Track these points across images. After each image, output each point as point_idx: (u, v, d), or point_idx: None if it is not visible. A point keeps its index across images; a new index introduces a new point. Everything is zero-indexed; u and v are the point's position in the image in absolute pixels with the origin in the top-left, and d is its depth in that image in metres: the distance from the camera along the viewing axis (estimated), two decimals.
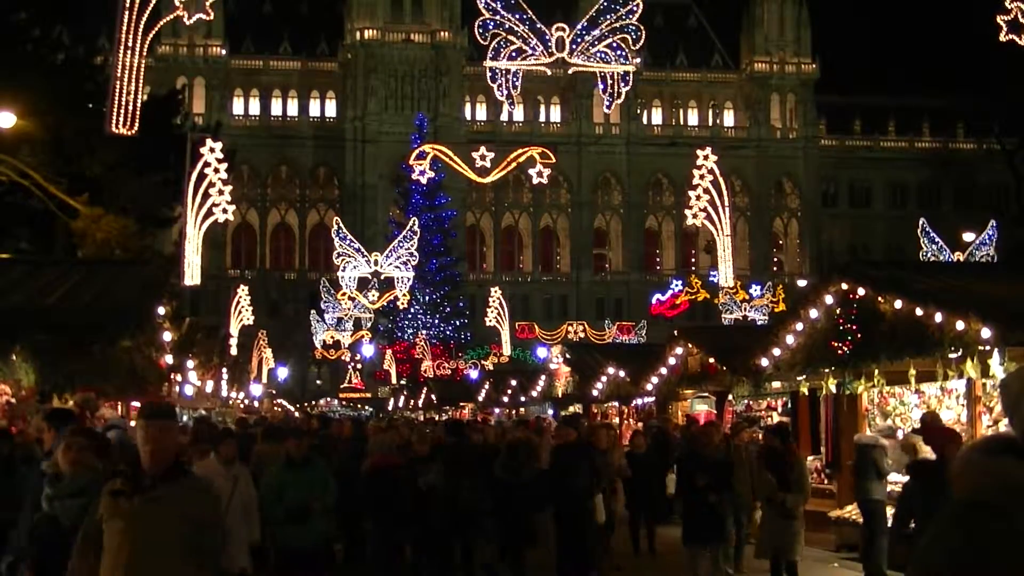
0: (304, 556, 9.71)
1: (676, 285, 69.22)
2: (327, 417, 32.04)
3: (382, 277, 46.30)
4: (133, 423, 16.08)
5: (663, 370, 21.79)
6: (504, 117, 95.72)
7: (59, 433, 9.28)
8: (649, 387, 22.75)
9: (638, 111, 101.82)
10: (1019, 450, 2.78)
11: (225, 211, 22.72)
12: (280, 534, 9.74)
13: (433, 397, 50.25)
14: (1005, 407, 2.94)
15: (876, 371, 13.62)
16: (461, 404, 45.49)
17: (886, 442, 13.39)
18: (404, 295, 46.19)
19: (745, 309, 55.92)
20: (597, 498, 12.91)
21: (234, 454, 9.46)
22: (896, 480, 14.19)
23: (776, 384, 16.82)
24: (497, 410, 38.94)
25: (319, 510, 9.68)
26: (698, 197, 23.19)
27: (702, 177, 23.07)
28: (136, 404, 19.53)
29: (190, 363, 22.47)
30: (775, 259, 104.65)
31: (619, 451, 15.42)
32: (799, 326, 15.25)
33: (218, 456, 9.47)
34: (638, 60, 24.80)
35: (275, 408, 57.21)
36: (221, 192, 22.61)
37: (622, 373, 24.44)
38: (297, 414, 51.54)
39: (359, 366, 72.23)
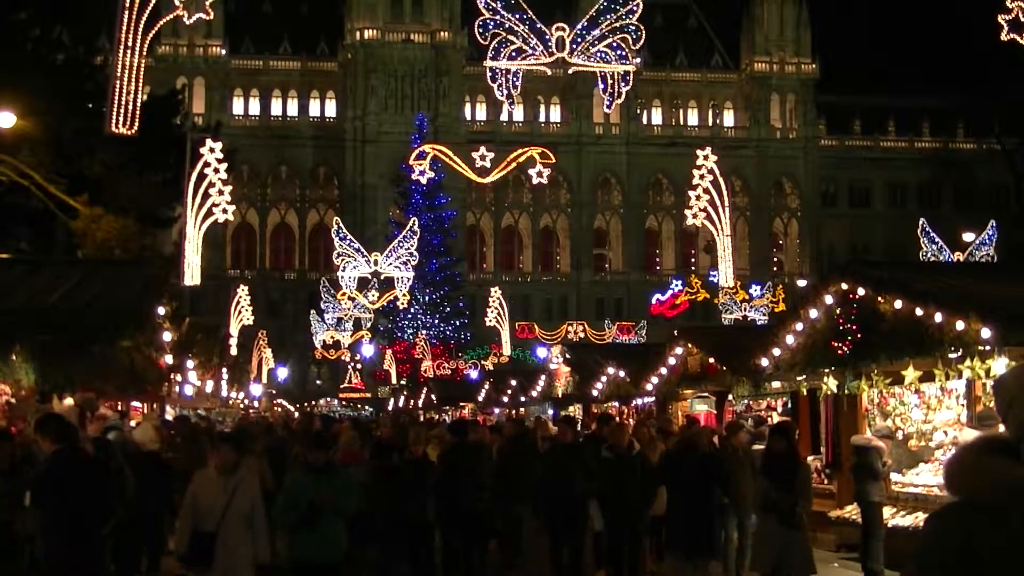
0: (320, 572, 8.87)
1: (676, 285, 69.28)
2: (329, 417, 32.03)
3: (382, 277, 46.32)
4: (133, 423, 16.08)
5: (663, 370, 21.77)
6: (504, 117, 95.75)
7: (54, 442, 9.31)
8: (649, 387, 22.74)
9: (638, 111, 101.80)
10: (1014, 450, 2.79)
11: (225, 211, 22.73)
12: (293, 544, 8.91)
13: (433, 397, 50.22)
14: (999, 407, 2.94)
15: (876, 371, 13.61)
16: (461, 404, 45.46)
17: (881, 443, 13.29)
18: (404, 295, 46.20)
19: (745, 309, 55.94)
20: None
21: (232, 461, 8.61)
22: (897, 480, 14.18)
23: (776, 384, 16.81)
24: (497, 410, 38.92)
25: (335, 512, 8.79)
26: (698, 197, 23.20)
27: (702, 177, 23.07)
28: (136, 404, 19.58)
29: (190, 363, 22.45)
30: (775, 259, 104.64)
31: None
32: (799, 326, 15.24)
33: (215, 465, 8.68)
34: (638, 60, 24.79)
35: (275, 408, 57.24)
36: (221, 192, 22.62)
37: (622, 373, 24.42)
38: (297, 414, 51.52)
39: (359, 366, 72.23)
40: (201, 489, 8.56)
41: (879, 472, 12.95)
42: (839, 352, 14.06)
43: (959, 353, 11.49)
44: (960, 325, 11.31)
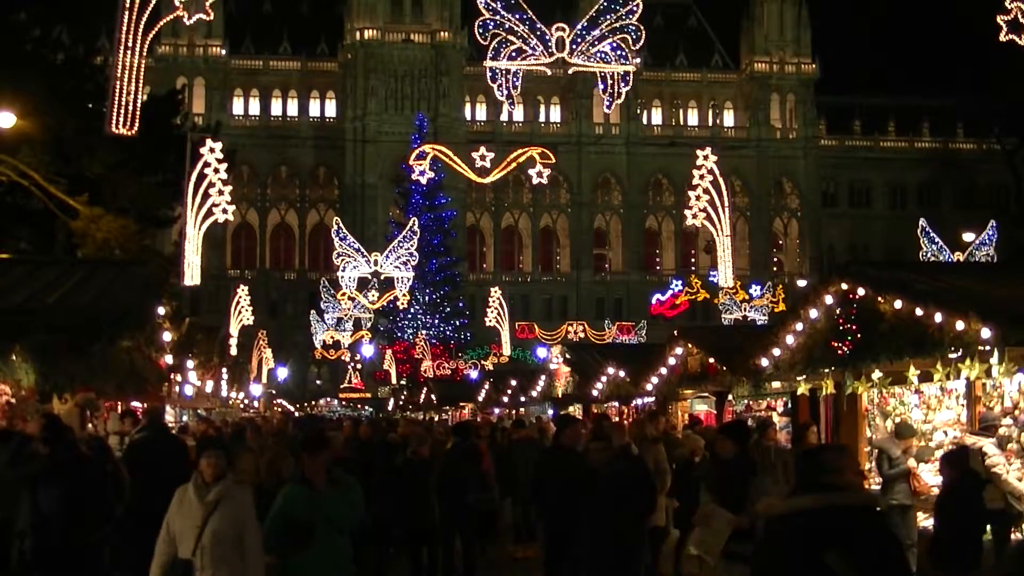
0: None
1: (676, 285, 69.19)
2: (314, 417, 31.91)
3: (382, 277, 46.27)
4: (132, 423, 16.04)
5: (663, 370, 21.76)
6: (504, 117, 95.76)
7: (52, 442, 9.32)
8: (649, 387, 22.73)
9: (638, 111, 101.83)
10: None
11: (225, 211, 22.68)
12: (289, 571, 7.47)
13: (433, 397, 50.22)
14: None
15: (876, 371, 13.60)
16: (461, 404, 45.46)
17: (889, 444, 13.02)
18: (404, 295, 46.17)
19: (745, 309, 55.92)
20: None
21: (213, 473, 7.21)
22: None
23: (776, 384, 16.80)
24: (497, 410, 38.91)
25: (336, 528, 7.51)
26: (698, 197, 23.17)
27: (702, 177, 23.04)
28: (136, 404, 19.59)
29: (190, 363, 22.45)
30: (775, 259, 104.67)
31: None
32: (799, 326, 15.23)
33: (194, 478, 7.30)
34: (638, 60, 24.78)
35: (275, 408, 57.22)
36: (221, 192, 22.57)
37: (622, 373, 24.41)
38: (297, 414, 51.53)
39: (359, 366, 72.23)
40: (177, 506, 7.21)
41: (884, 475, 12.65)
42: (839, 352, 14.04)
43: (959, 353, 11.48)
44: (960, 325, 11.30)
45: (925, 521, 12.38)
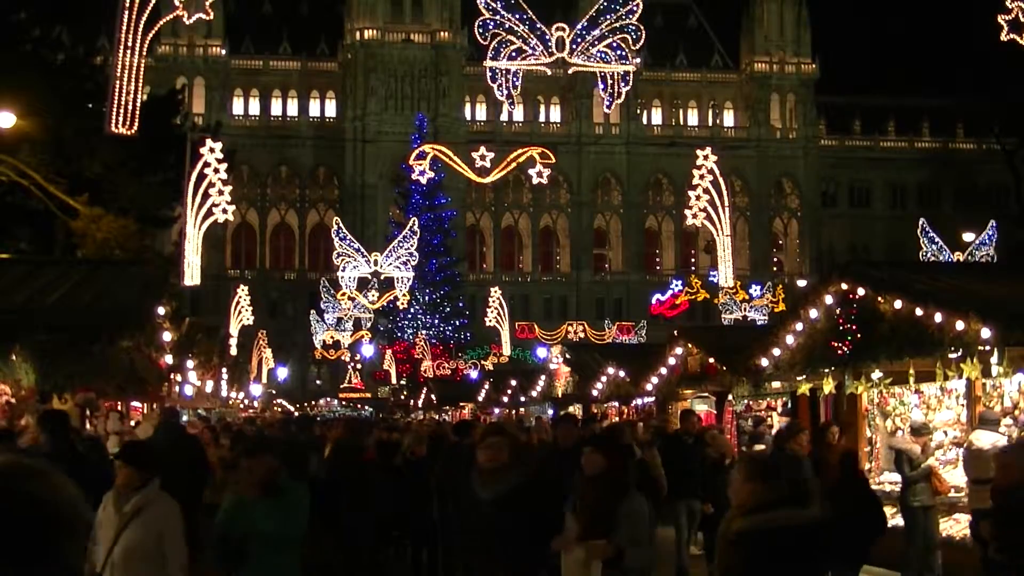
0: None
1: (676, 285, 69.16)
2: (305, 418, 31.84)
3: (382, 277, 46.30)
4: (133, 423, 16.07)
5: (663, 370, 21.78)
6: (504, 117, 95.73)
7: (52, 437, 9.31)
8: (649, 387, 22.74)
9: (638, 111, 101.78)
10: None
11: (225, 211, 22.71)
12: None
13: (433, 397, 50.21)
14: None
15: (876, 371, 13.60)
16: (461, 404, 45.47)
17: (909, 445, 12.64)
18: (404, 295, 46.19)
19: (745, 309, 55.91)
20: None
21: (129, 482, 6.38)
22: (897, 480, 13.95)
23: (776, 384, 16.81)
24: (497, 410, 38.91)
25: (277, 541, 6.53)
26: (698, 197, 23.20)
27: (702, 177, 23.07)
28: (136, 404, 19.60)
29: (190, 363, 22.45)
30: (775, 259, 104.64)
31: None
32: (799, 326, 15.23)
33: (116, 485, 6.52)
34: (638, 60, 24.79)
35: (275, 408, 57.21)
36: (221, 192, 22.60)
37: (622, 373, 24.43)
38: (296, 414, 51.49)
39: (359, 366, 72.24)
40: (102, 514, 6.36)
41: (907, 476, 12.42)
42: (839, 352, 14.05)
43: (959, 353, 11.48)
44: (960, 325, 11.31)
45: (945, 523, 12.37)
